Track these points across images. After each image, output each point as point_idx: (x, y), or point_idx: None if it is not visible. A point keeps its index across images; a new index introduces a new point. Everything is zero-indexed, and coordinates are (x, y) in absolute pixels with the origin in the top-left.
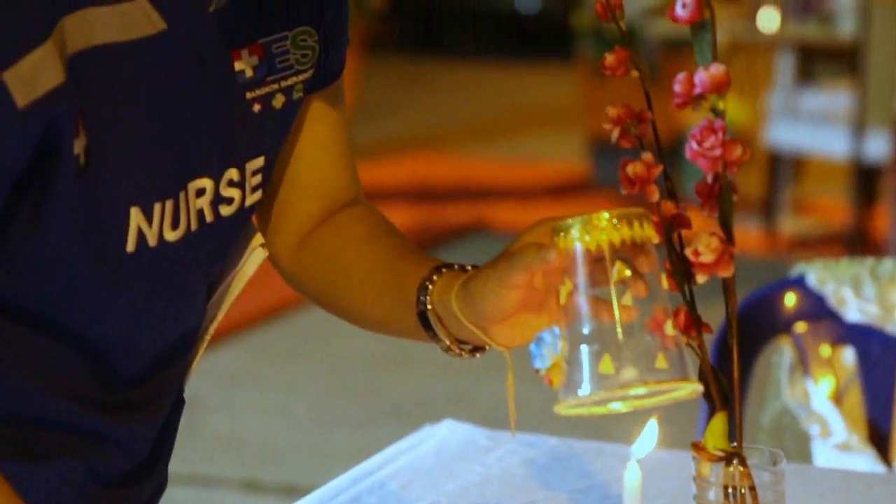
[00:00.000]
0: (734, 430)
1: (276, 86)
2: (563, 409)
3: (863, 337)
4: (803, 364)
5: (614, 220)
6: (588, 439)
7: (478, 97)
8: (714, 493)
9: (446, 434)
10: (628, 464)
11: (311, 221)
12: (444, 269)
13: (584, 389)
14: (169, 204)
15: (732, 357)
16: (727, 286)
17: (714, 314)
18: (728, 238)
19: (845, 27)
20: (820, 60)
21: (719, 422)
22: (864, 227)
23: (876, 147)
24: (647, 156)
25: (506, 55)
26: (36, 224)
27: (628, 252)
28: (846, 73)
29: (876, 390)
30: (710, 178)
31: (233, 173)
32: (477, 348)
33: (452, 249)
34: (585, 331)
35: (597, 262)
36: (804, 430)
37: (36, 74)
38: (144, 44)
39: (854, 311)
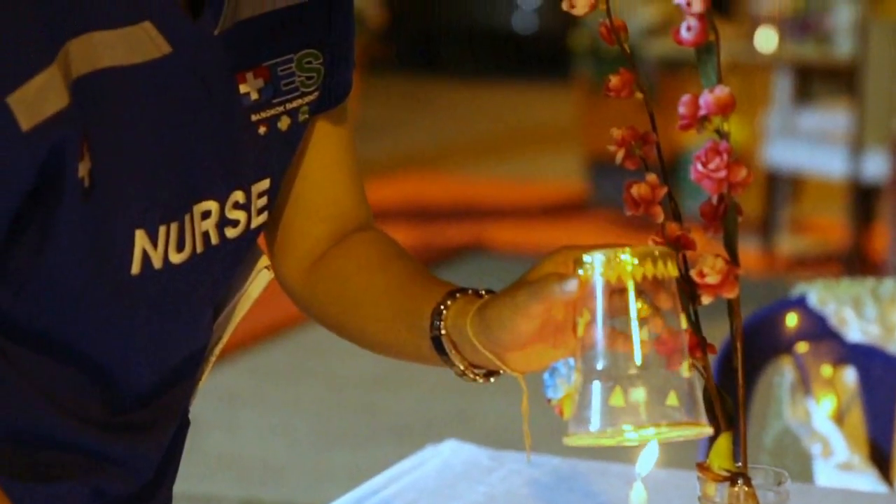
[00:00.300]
0: (738, 450)
1: (281, 108)
2: (572, 440)
3: (864, 357)
4: (805, 384)
5: (637, 258)
6: (592, 459)
7: (476, 117)
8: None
9: (449, 454)
10: (634, 484)
11: (319, 244)
12: (458, 294)
13: (594, 425)
14: (174, 226)
15: (736, 377)
16: (732, 307)
17: (716, 334)
18: (733, 259)
19: (843, 47)
20: (818, 80)
21: (724, 442)
22: (863, 247)
23: (874, 167)
24: (652, 177)
25: (503, 75)
26: (41, 246)
27: (649, 287)
28: (844, 93)
29: (877, 410)
30: (714, 200)
31: (238, 196)
32: (491, 372)
33: (450, 269)
34: (600, 366)
35: (616, 294)
36: (806, 450)
37: (40, 98)
38: (149, 67)
39: (855, 331)
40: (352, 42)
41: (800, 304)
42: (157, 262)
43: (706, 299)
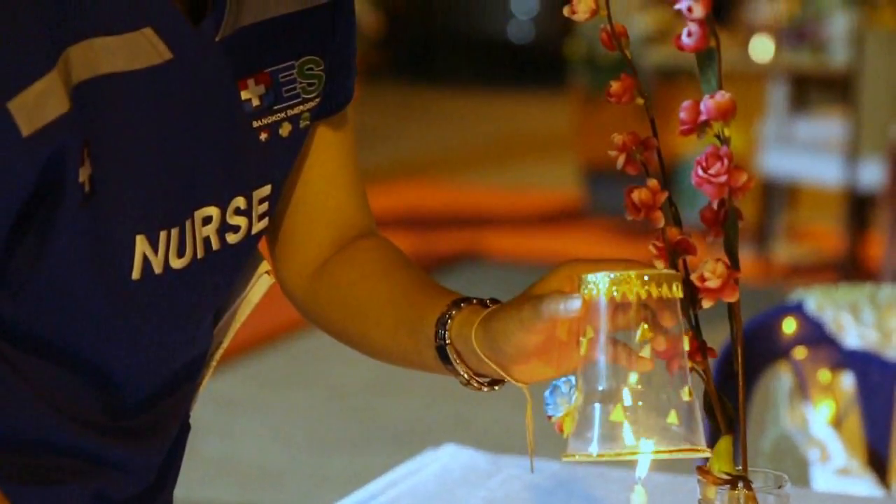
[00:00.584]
0: (738, 454)
1: (282, 114)
2: (571, 458)
3: (862, 362)
4: (802, 390)
5: (642, 280)
6: (591, 464)
7: (472, 125)
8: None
9: (448, 458)
10: (635, 487)
11: (322, 250)
12: (462, 304)
13: (594, 448)
14: (175, 232)
15: (736, 381)
16: (733, 311)
17: (715, 339)
18: (733, 263)
19: (838, 56)
20: (813, 89)
21: (724, 445)
22: (858, 255)
23: (869, 175)
24: (653, 182)
25: (500, 83)
26: (41, 251)
27: (654, 306)
28: (839, 102)
29: (875, 415)
30: (715, 205)
31: (240, 201)
32: (495, 381)
33: (445, 277)
34: (601, 388)
35: (619, 314)
36: (803, 456)
37: (41, 103)
38: (150, 73)
39: (853, 336)
40: (353, 49)
41: (797, 309)
42: (157, 268)
43: (707, 303)
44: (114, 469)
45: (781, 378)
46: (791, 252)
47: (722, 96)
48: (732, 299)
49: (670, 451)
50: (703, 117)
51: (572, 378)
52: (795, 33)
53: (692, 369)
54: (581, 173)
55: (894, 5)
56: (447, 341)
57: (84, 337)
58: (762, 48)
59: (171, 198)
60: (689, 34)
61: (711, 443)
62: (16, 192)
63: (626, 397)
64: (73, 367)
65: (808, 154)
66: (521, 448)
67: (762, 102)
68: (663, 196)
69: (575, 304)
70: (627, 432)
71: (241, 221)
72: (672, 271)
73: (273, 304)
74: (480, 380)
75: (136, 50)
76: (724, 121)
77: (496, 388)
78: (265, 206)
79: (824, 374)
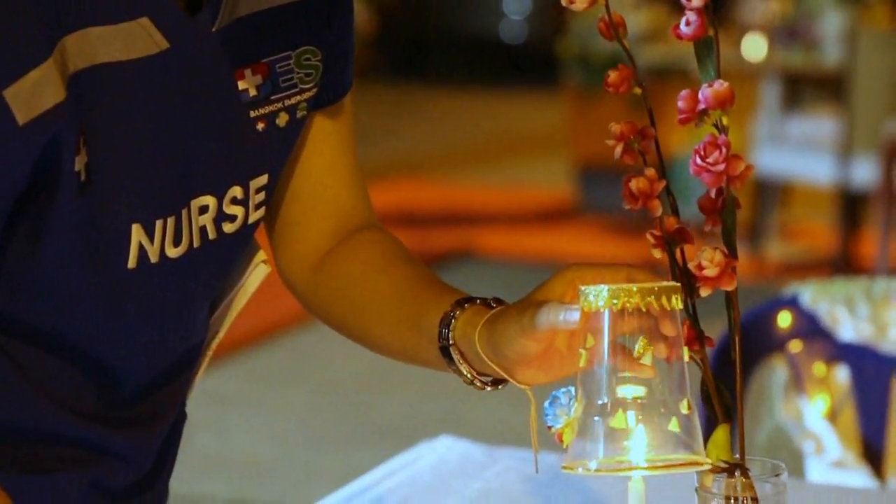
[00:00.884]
0: (736, 442)
1: (279, 104)
2: (570, 471)
3: (856, 356)
4: (797, 382)
5: (644, 293)
6: None
7: (465, 124)
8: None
9: (444, 450)
10: (632, 476)
11: (322, 241)
12: (466, 305)
13: (593, 464)
14: (171, 221)
15: (733, 370)
16: (730, 300)
17: (712, 332)
18: (731, 252)
19: (831, 55)
20: (806, 87)
21: (722, 434)
22: (851, 253)
23: (862, 173)
24: (651, 171)
25: (493, 83)
26: (37, 240)
27: (654, 316)
28: (832, 100)
29: (869, 408)
30: (713, 194)
31: (236, 191)
32: (498, 381)
33: (439, 275)
34: (600, 402)
35: (619, 321)
36: (798, 448)
37: (37, 92)
38: (147, 63)
39: (848, 329)
40: (351, 40)
41: (792, 303)
42: (153, 257)
43: (704, 292)
44: (111, 458)
45: (776, 371)
46: (784, 250)
47: (720, 85)
48: (730, 287)
49: (670, 466)
50: (701, 106)
51: (572, 389)
52: (788, 32)
53: (690, 358)
54: (574, 171)
55: (886, 4)
56: (451, 342)
57: (80, 326)
58: (755, 47)
59: (167, 187)
60: (688, 23)
61: (709, 432)
62: (11, 180)
63: (626, 411)
64: (68, 356)
65: (800, 152)
66: (515, 443)
67: (755, 101)
68: (661, 185)
69: (573, 316)
70: (627, 446)
71: (237, 211)
72: (672, 283)
73: (267, 299)
74: (483, 379)
75: (132, 39)
76: (723, 109)
77: (499, 387)
78: (262, 195)
79: (819, 368)
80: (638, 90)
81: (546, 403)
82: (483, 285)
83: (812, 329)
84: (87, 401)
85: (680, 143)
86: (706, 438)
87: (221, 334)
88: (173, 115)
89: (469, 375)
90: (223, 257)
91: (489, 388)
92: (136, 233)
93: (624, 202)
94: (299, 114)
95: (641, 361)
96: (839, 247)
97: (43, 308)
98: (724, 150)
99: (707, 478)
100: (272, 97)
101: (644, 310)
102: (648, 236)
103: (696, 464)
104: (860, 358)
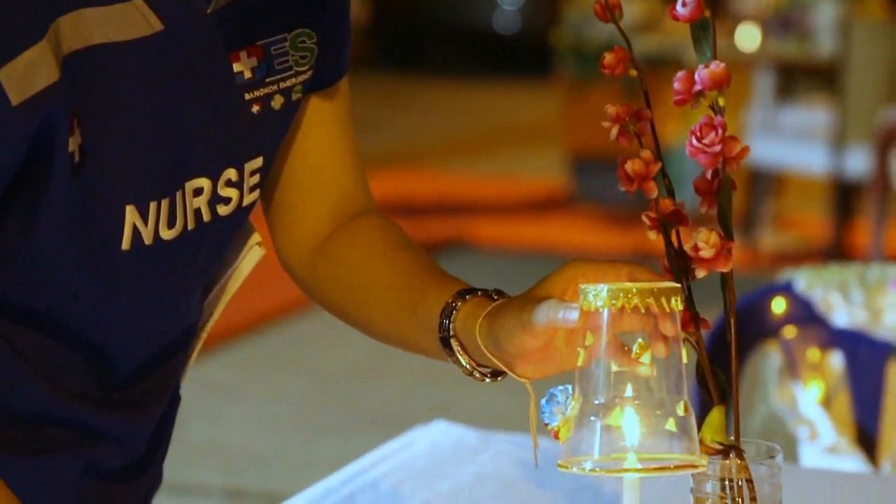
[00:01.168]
0: (731, 424)
1: (274, 87)
2: (566, 469)
3: (850, 342)
4: (791, 368)
5: (644, 294)
6: None
7: (458, 114)
8: (711, 486)
9: (438, 435)
10: (627, 455)
11: (321, 225)
12: (467, 296)
13: (588, 464)
14: (165, 203)
15: (728, 353)
16: (725, 281)
17: (706, 316)
18: (727, 234)
19: (824, 44)
20: (799, 77)
21: (717, 415)
22: (844, 243)
23: (855, 163)
24: (646, 153)
25: (486, 73)
26: (30, 221)
27: (653, 316)
28: (825, 90)
29: (863, 394)
30: (709, 175)
31: (231, 173)
32: (497, 373)
33: None
34: (597, 401)
35: (618, 321)
36: (792, 434)
37: (30, 72)
38: (141, 44)
39: (842, 315)
40: (347, 22)
41: (787, 289)
42: (147, 239)
43: (700, 273)
44: (105, 440)
45: (770, 357)
46: (777, 240)
47: (716, 66)
48: (726, 269)
49: (665, 469)
50: (697, 87)
51: (569, 387)
52: (782, 22)
53: (685, 340)
54: (568, 161)
55: None
56: (451, 333)
57: (74, 308)
58: (748, 37)
59: (161, 169)
60: (684, 4)
61: (704, 414)
62: (5, 161)
63: (622, 410)
64: (63, 338)
65: (794, 143)
66: (512, 425)
67: (748, 91)
68: (657, 167)
69: (572, 314)
70: (623, 446)
71: (232, 193)
72: (673, 284)
73: (261, 288)
74: (483, 370)
75: (127, 20)
76: (719, 90)
77: (498, 379)
78: (256, 178)
79: (813, 353)
80: (633, 72)
81: (543, 401)
82: (477, 275)
83: (806, 315)
84: (80, 382)
85: (675, 133)
86: (701, 421)
87: (216, 316)
88: (167, 96)
89: (469, 367)
90: (218, 240)
91: (488, 380)
92: (130, 214)
93: (619, 184)
94: (294, 96)
95: (639, 361)
96: (832, 237)
97: (36, 289)
98: (720, 131)
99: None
100: (267, 79)
101: (643, 310)
102: (644, 218)
103: (692, 465)
104: (854, 344)
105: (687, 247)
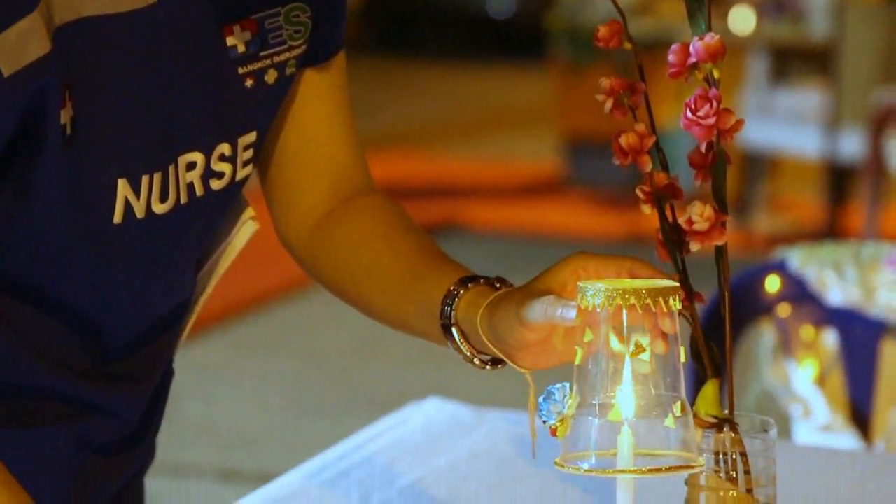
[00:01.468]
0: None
1: (268, 61)
2: (563, 468)
3: (844, 320)
4: (785, 347)
5: (643, 293)
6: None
7: (453, 98)
8: (705, 460)
9: (433, 411)
10: (622, 429)
11: (320, 202)
12: (470, 284)
13: (585, 464)
14: (157, 176)
15: (723, 327)
16: (720, 254)
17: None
18: (721, 207)
19: (818, 27)
20: (794, 60)
21: (711, 389)
22: (838, 226)
23: (849, 146)
24: (641, 126)
25: (480, 57)
26: (22, 194)
27: (651, 315)
28: (820, 73)
29: (857, 372)
30: (703, 148)
31: (224, 148)
32: (497, 361)
33: None
34: (595, 401)
35: (617, 315)
36: (785, 412)
37: (22, 44)
38: (134, 17)
39: (836, 293)
40: None
41: (781, 267)
42: (139, 212)
43: (694, 247)
44: (98, 413)
45: (764, 335)
46: (771, 223)
47: (711, 37)
48: (720, 242)
49: (661, 470)
50: (692, 60)
51: (566, 385)
52: (776, 5)
53: (679, 313)
54: (562, 145)
55: None
56: (453, 321)
57: (66, 282)
58: (742, 20)
59: (153, 142)
60: None
61: (697, 389)
62: None
63: (620, 410)
64: (55, 311)
65: (788, 125)
66: (507, 402)
67: (742, 74)
68: (651, 140)
69: (570, 313)
70: (620, 446)
71: (225, 168)
72: (672, 283)
73: (253, 271)
74: (483, 358)
75: None
76: (714, 62)
77: (498, 367)
78: (250, 152)
79: (807, 332)
80: (628, 45)
81: (541, 399)
82: (471, 258)
83: (800, 293)
84: (73, 355)
85: (669, 115)
86: (695, 394)
87: (209, 290)
88: (160, 70)
89: (469, 354)
90: (210, 214)
91: (488, 368)
92: (122, 188)
93: (614, 158)
94: (288, 71)
95: (637, 361)
96: (826, 219)
97: (29, 262)
98: (714, 103)
99: (697, 433)
100: (261, 54)
101: (641, 310)
102: (638, 192)
103: (689, 466)
104: (848, 322)
105: (681, 220)
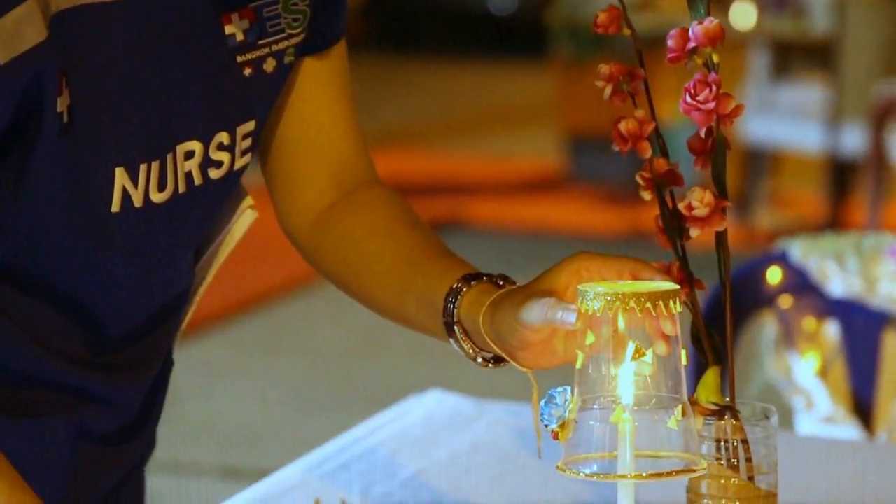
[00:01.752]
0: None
1: (267, 50)
2: (563, 472)
3: (846, 311)
4: (787, 338)
5: (643, 297)
6: None
7: (454, 94)
8: (706, 447)
9: (433, 403)
10: (622, 416)
11: (323, 192)
12: (473, 282)
13: (586, 468)
14: (155, 165)
15: (724, 312)
16: (720, 241)
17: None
18: (721, 193)
19: (820, 22)
20: (795, 55)
21: (712, 376)
22: (840, 221)
23: (851, 141)
24: (640, 112)
25: (481, 54)
26: (20, 182)
27: (652, 318)
28: (821, 68)
29: (859, 363)
30: (703, 133)
31: (223, 137)
32: (499, 359)
33: None
34: (596, 405)
35: (618, 318)
36: (788, 404)
37: (18, 31)
38: (131, 5)
39: (838, 284)
40: None
41: (782, 258)
42: (137, 201)
43: (694, 232)
44: (98, 403)
45: (766, 327)
46: (773, 218)
47: (710, 22)
48: (720, 228)
49: (662, 475)
50: (691, 45)
51: (568, 388)
52: (776, 0)
53: (682, 301)
54: (563, 141)
55: None
56: (455, 319)
57: (65, 271)
58: (744, 15)
59: (151, 131)
60: None
61: (698, 379)
62: None
63: (621, 413)
64: (54, 301)
65: (790, 120)
66: (507, 393)
67: (744, 69)
68: (651, 126)
69: (570, 317)
70: (621, 450)
71: (223, 157)
72: (673, 286)
73: (254, 269)
74: (485, 356)
75: None
76: (713, 46)
77: (500, 365)
78: (248, 141)
79: (809, 323)
80: (627, 31)
81: (542, 403)
82: (473, 255)
83: (802, 284)
84: (73, 345)
85: (670, 111)
86: (697, 381)
87: (208, 280)
88: (158, 58)
89: (471, 352)
90: (209, 203)
91: (491, 366)
92: (120, 176)
93: (614, 144)
94: (287, 59)
95: (638, 364)
96: (828, 214)
97: (28, 251)
98: (714, 88)
99: (697, 420)
100: (259, 42)
101: (642, 314)
102: (638, 178)
103: (690, 470)
104: (850, 313)
105: (681, 206)
